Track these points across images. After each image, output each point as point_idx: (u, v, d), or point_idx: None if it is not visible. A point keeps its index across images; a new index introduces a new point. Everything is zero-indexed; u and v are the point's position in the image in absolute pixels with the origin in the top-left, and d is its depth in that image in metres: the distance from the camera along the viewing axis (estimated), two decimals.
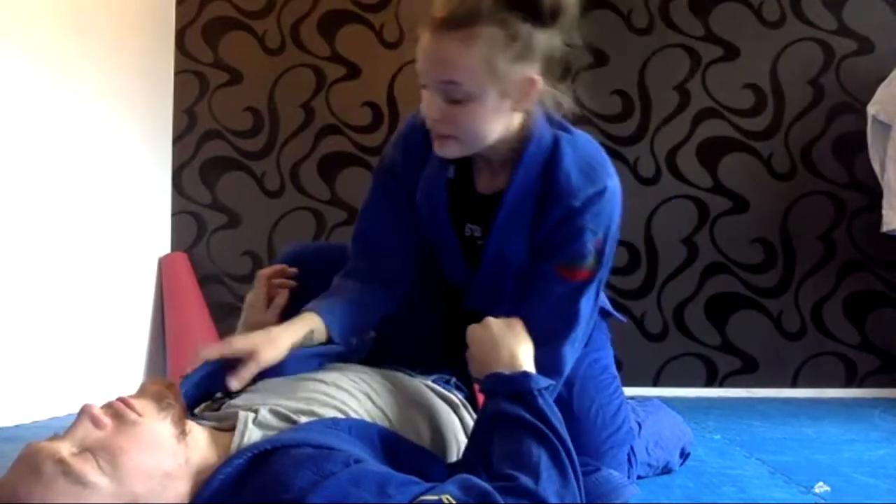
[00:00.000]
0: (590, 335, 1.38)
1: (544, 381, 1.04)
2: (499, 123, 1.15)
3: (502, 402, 1.01)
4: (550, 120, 1.22)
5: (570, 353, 1.20)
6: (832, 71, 2.99)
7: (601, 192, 1.18)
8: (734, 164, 3.01)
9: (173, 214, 3.12)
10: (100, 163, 2.60)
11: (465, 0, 1.07)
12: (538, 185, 1.19)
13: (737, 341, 2.98)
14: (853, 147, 2.92)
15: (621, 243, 2.98)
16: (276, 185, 3.11)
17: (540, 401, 1.00)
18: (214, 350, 1.09)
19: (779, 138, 3.01)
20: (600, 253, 1.19)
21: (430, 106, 1.13)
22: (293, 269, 1.36)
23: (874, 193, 2.82)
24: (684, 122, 3.03)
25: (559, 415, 1.01)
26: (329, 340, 1.21)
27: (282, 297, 1.33)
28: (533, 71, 1.12)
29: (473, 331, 1.15)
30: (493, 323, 1.14)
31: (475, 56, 1.07)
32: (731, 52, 3.03)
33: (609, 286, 2.95)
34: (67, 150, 2.43)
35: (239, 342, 1.10)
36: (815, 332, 2.96)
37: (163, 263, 3.02)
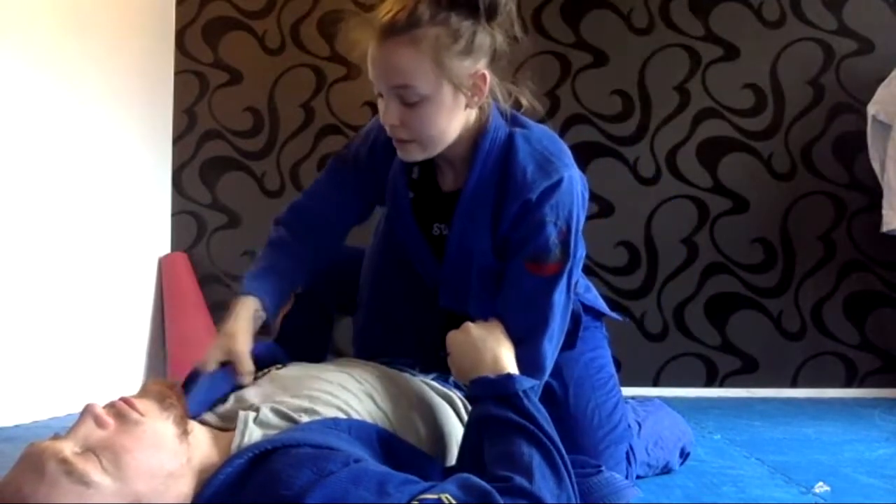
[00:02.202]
0: (584, 335, 1.38)
1: (528, 382, 1.06)
2: (456, 121, 1.18)
3: (490, 406, 1.03)
4: (506, 116, 1.25)
5: (550, 348, 1.20)
6: (832, 71, 3.00)
7: (557, 184, 1.18)
8: (734, 164, 3.01)
9: (173, 214, 3.12)
10: (100, 163, 2.60)
11: (405, 5, 1.10)
12: (496, 181, 1.21)
13: (737, 341, 2.98)
14: (853, 147, 2.92)
15: (621, 243, 3.01)
16: (276, 185, 3.11)
17: (526, 402, 1.02)
18: (209, 364, 1.14)
19: (779, 138, 3.01)
20: (566, 244, 1.19)
21: (387, 113, 1.15)
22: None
23: (874, 193, 2.82)
24: (684, 122, 3.03)
25: (546, 414, 1.02)
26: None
27: (287, 304, 1.35)
28: (481, 66, 1.16)
29: (454, 337, 1.16)
30: (473, 328, 1.15)
31: (423, 57, 1.10)
32: (731, 52, 3.03)
33: (609, 286, 2.96)
34: (67, 150, 2.43)
35: (214, 354, 1.15)
36: (815, 332, 2.96)
37: (163, 263, 3.02)
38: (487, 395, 1.05)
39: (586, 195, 1.28)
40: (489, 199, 1.22)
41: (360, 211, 1.41)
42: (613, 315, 1.50)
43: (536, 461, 0.93)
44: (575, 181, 1.21)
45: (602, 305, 1.48)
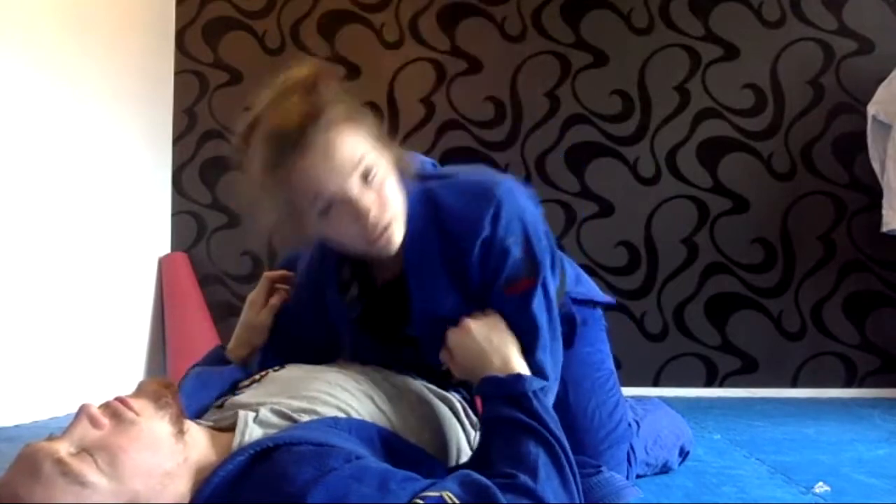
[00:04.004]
0: (583, 331, 1.36)
1: (538, 383, 1.05)
2: (399, 185, 1.12)
3: (499, 406, 1.03)
4: (416, 177, 1.17)
5: (548, 358, 1.18)
6: (832, 71, 3.00)
7: (499, 206, 1.13)
8: (734, 164, 3.01)
9: (173, 214, 3.12)
10: (100, 163, 2.60)
11: (301, 101, 1.03)
12: (437, 243, 1.15)
13: (737, 341, 2.98)
14: (853, 147, 2.92)
15: (621, 243, 3.01)
16: None
17: (535, 402, 1.02)
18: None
19: (779, 138, 3.01)
20: (531, 255, 1.16)
21: (360, 206, 1.03)
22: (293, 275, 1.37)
23: (874, 193, 2.82)
24: (684, 122, 3.03)
25: (555, 416, 1.03)
26: None
27: (277, 299, 1.34)
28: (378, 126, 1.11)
29: (455, 336, 1.13)
30: (473, 325, 1.12)
31: (358, 129, 1.05)
32: (731, 52, 3.03)
33: (609, 286, 2.95)
34: (67, 150, 2.43)
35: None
36: (815, 332, 2.96)
37: (163, 263, 3.02)
38: (497, 394, 1.05)
39: (528, 192, 1.22)
40: (436, 262, 1.16)
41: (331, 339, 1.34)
42: (607, 299, 1.47)
43: (542, 461, 0.94)
44: (512, 190, 1.17)
45: (595, 293, 1.45)
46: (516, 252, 1.15)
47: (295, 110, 1.02)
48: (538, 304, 1.17)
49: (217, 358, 1.29)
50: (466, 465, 1.06)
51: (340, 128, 1.03)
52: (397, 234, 1.09)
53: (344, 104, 1.06)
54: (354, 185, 1.03)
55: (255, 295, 1.35)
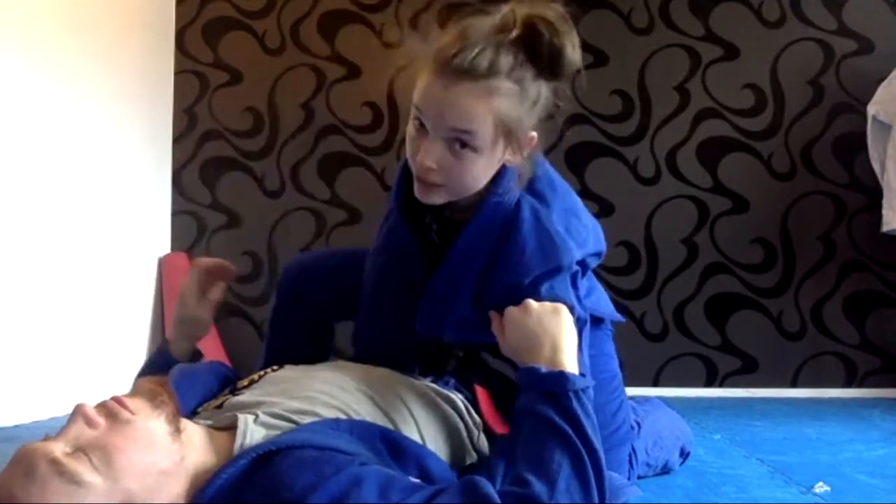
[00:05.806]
0: (587, 336, 1.37)
1: (582, 382, 0.99)
2: (489, 175, 1.13)
3: (534, 400, 0.97)
4: (521, 180, 1.18)
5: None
6: (832, 71, 3.00)
7: (555, 271, 1.13)
8: (734, 164, 3.01)
9: (173, 214, 3.12)
10: (100, 163, 2.60)
11: (485, 51, 1.04)
12: (491, 246, 1.15)
13: (737, 341, 2.98)
14: (853, 147, 2.92)
15: (621, 243, 3.01)
16: (276, 185, 3.11)
17: (574, 403, 0.96)
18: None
19: (779, 138, 3.01)
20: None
21: (427, 152, 1.07)
22: (233, 270, 1.31)
23: (874, 193, 2.82)
24: (684, 122, 3.03)
25: (594, 419, 0.97)
26: None
27: (217, 294, 1.29)
28: (533, 128, 1.12)
29: (513, 314, 1.09)
30: (535, 307, 1.07)
31: (493, 109, 1.05)
32: (731, 52, 3.03)
33: (609, 286, 2.95)
34: (67, 150, 2.43)
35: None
36: (815, 332, 2.96)
37: (163, 263, 3.02)
38: (536, 387, 0.98)
39: (598, 255, 1.24)
40: (477, 262, 1.16)
41: None
42: (617, 317, 1.48)
43: (565, 473, 0.89)
44: (573, 264, 1.16)
45: (604, 309, 1.45)
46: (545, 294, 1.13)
47: (482, 54, 1.03)
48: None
49: (163, 360, 1.27)
50: (485, 458, 1.02)
51: (487, 98, 1.04)
52: (436, 198, 1.12)
53: (508, 82, 1.05)
54: (442, 135, 1.06)
55: (186, 287, 1.29)
